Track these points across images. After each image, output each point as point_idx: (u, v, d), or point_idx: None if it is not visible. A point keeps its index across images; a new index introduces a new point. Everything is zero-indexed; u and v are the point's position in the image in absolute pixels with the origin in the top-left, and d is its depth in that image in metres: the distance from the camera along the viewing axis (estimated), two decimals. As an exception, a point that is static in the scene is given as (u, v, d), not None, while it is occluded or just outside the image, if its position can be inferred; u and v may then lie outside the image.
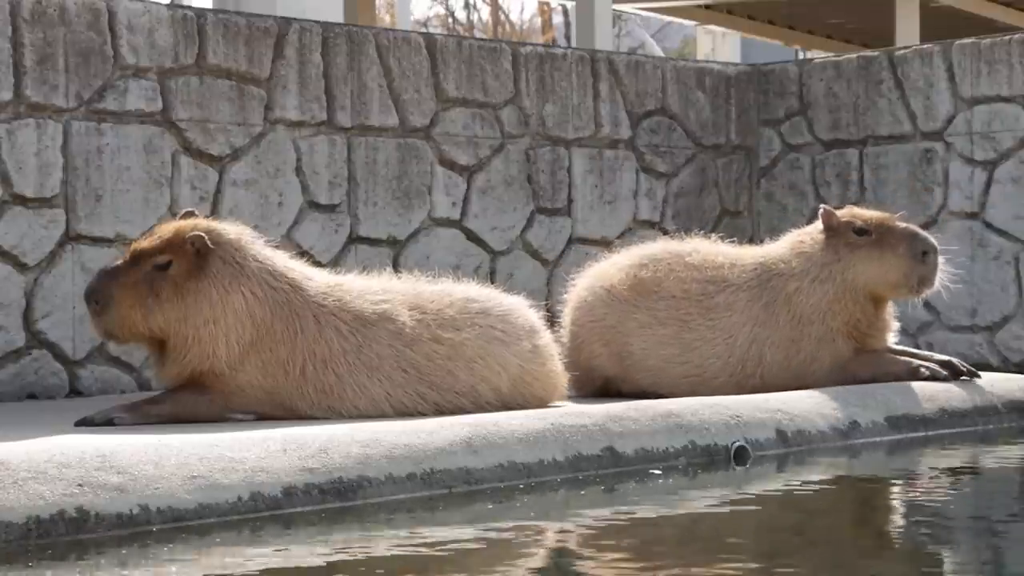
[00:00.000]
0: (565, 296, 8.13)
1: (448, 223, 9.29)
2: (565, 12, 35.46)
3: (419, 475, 5.59)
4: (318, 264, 7.94)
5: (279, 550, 4.80)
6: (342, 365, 6.61)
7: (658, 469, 6.21)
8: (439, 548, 4.80)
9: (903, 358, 7.78)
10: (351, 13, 17.31)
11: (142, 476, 5.03)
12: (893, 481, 6.42)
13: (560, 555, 4.85)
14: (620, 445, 6.21)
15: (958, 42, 9.99)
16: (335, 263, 8.56)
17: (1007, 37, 9.86)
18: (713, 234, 8.35)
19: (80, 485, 4.89)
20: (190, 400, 6.51)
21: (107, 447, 5.15)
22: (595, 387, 7.81)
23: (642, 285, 7.82)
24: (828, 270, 7.68)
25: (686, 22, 24.17)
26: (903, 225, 7.76)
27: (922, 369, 7.68)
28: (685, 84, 10.52)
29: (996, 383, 7.91)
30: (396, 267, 8.78)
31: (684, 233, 8.57)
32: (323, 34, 8.81)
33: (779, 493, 5.99)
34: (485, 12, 39.36)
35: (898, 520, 5.57)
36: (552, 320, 7.79)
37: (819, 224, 7.82)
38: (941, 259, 7.70)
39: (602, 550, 4.88)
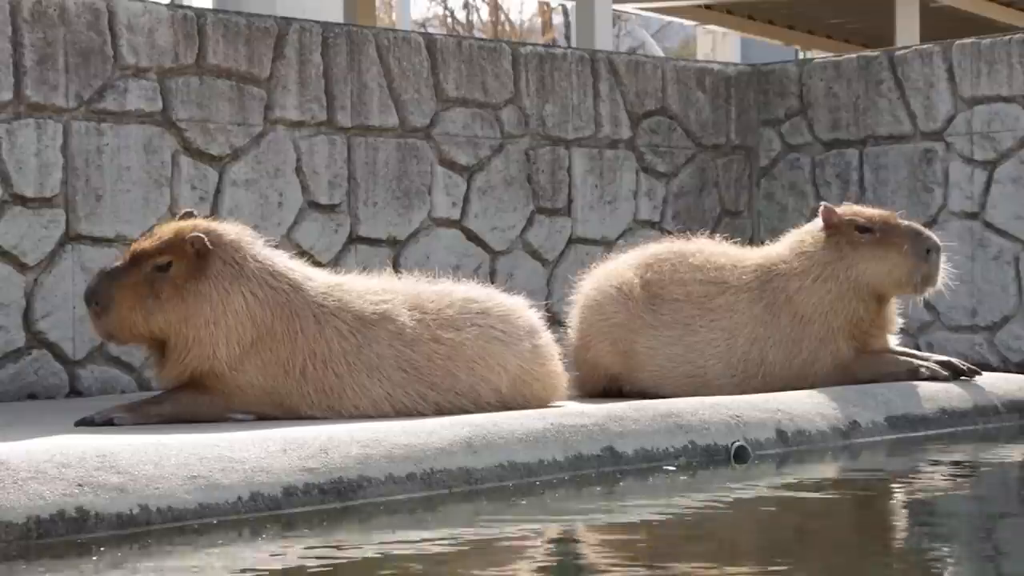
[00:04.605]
0: (571, 296, 8.13)
1: (448, 223, 9.29)
2: (565, 12, 35.44)
3: (419, 475, 5.59)
4: (318, 264, 7.94)
5: (279, 550, 4.80)
6: (342, 365, 6.61)
7: (671, 465, 6.23)
8: (439, 548, 4.80)
9: (903, 358, 7.78)
10: (351, 13, 17.31)
11: (142, 476, 5.03)
12: (893, 481, 6.41)
13: (560, 555, 4.85)
14: (620, 445, 6.21)
15: (958, 42, 9.99)
16: (335, 263, 8.56)
17: (1007, 37, 9.86)
18: (716, 234, 8.36)
19: (80, 485, 4.89)
20: (190, 400, 6.51)
21: (107, 447, 5.15)
22: (599, 386, 7.80)
23: (650, 285, 7.82)
24: (830, 268, 7.67)
25: (686, 22, 24.15)
26: (906, 223, 7.76)
27: (922, 369, 7.69)
28: (685, 84, 10.52)
29: (996, 383, 7.91)
30: (396, 267, 8.77)
31: (684, 233, 8.55)
32: (323, 34, 8.81)
33: (779, 493, 5.99)
34: (485, 12, 39.37)
35: (898, 520, 5.57)
36: (552, 320, 7.79)
37: (818, 223, 7.81)
38: (942, 258, 7.70)
39: (602, 550, 4.87)
